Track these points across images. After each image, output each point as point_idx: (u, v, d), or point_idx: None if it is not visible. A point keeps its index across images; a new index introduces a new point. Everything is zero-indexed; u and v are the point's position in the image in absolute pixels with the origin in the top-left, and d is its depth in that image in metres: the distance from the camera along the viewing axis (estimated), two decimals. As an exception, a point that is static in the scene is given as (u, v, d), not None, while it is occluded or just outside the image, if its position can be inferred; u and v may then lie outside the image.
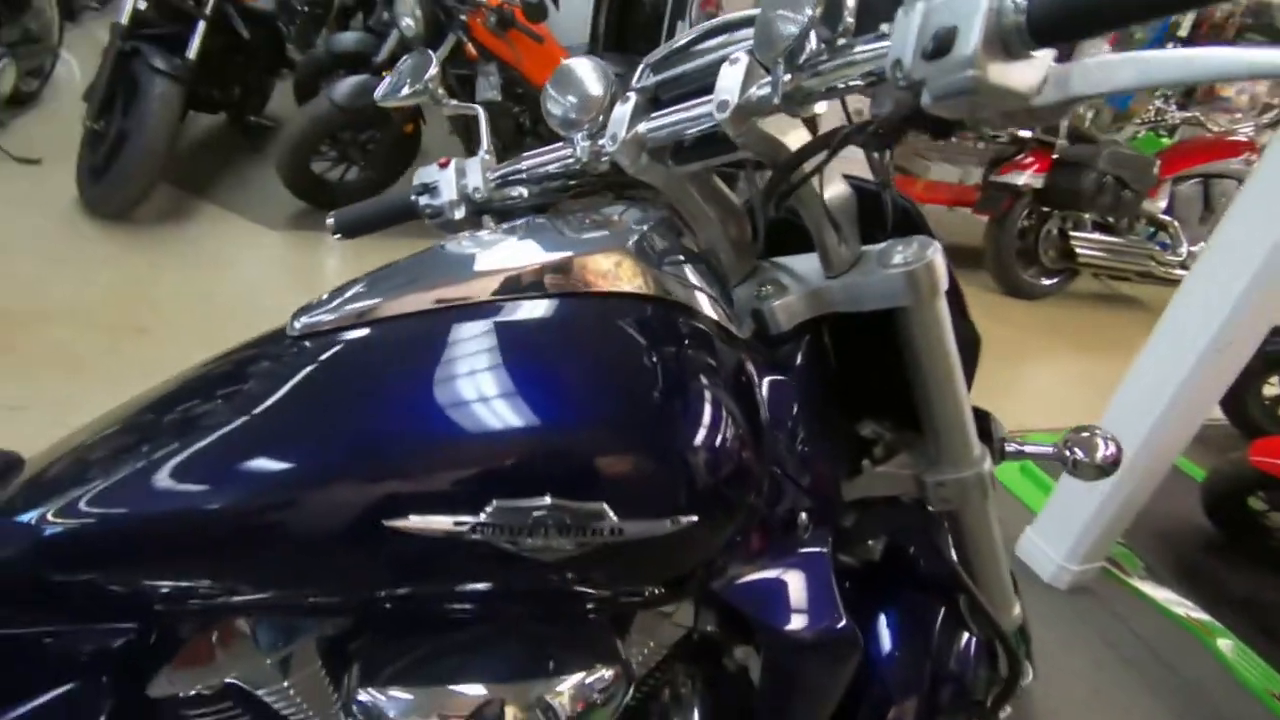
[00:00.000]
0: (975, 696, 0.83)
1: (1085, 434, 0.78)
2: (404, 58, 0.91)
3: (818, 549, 0.66)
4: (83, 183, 2.79)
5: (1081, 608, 2.04)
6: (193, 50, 2.84)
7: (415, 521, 0.48)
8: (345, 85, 2.94)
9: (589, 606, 0.58)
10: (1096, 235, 4.20)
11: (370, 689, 0.56)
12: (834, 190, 0.61)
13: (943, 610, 0.83)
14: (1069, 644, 1.91)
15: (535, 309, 0.55)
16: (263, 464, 0.49)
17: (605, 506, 0.50)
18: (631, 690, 0.63)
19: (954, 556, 0.78)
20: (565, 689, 0.58)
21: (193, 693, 0.59)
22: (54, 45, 3.60)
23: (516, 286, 0.55)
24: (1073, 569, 2.06)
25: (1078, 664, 1.86)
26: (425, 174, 0.91)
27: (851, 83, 0.47)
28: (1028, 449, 0.79)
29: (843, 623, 0.65)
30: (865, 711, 0.79)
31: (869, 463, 0.74)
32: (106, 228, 2.75)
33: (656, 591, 0.58)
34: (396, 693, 0.56)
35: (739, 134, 0.52)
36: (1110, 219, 4.18)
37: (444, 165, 0.91)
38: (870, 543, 0.92)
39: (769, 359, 0.64)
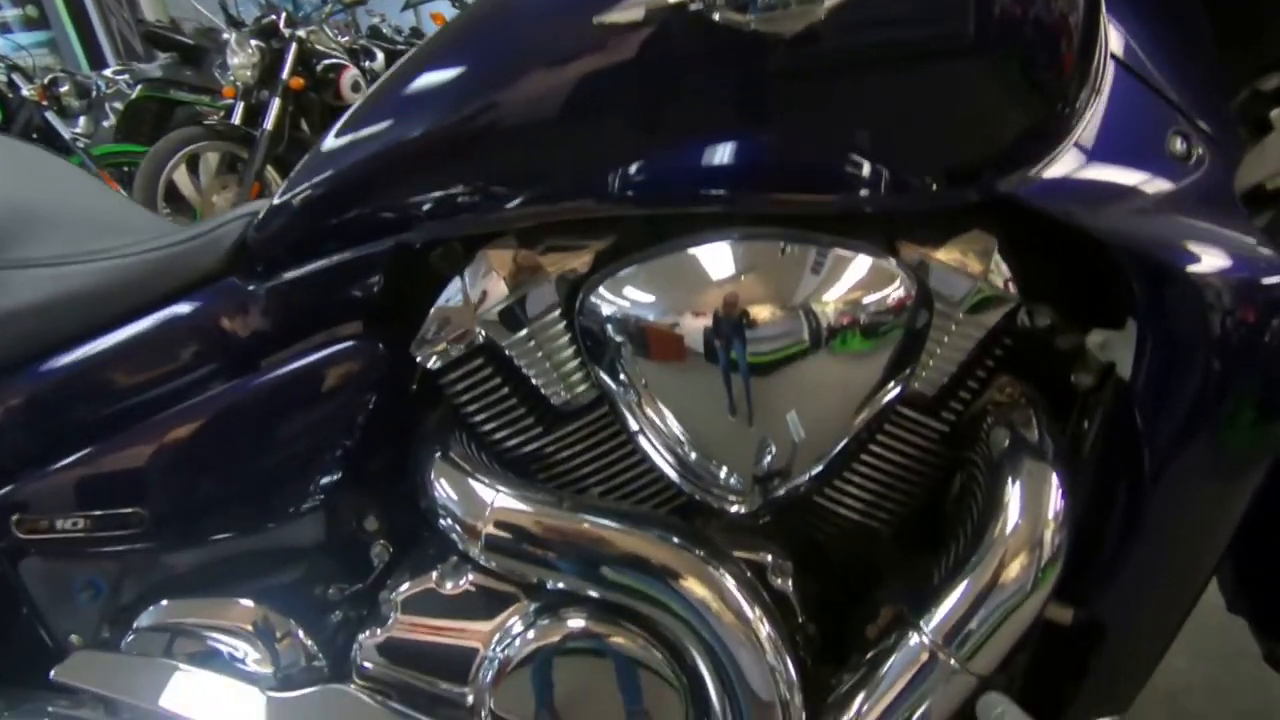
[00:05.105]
0: None
1: None
2: None
3: (1209, 172, 0.49)
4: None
5: None
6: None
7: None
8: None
9: (856, 193, 0.49)
10: None
11: (599, 289, 0.54)
12: None
13: None
14: None
15: None
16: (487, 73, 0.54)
17: None
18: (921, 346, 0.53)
19: None
20: (831, 299, 0.50)
21: (449, 352, 0.59)
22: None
23: None
24: None
25: None
26: None
27: None
28: None
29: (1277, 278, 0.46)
30: None
31: None
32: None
33: (931, 183, 0.49)
34: (622, 276, 0.54)
35: None
36: None
37: None
38: None
39: None
